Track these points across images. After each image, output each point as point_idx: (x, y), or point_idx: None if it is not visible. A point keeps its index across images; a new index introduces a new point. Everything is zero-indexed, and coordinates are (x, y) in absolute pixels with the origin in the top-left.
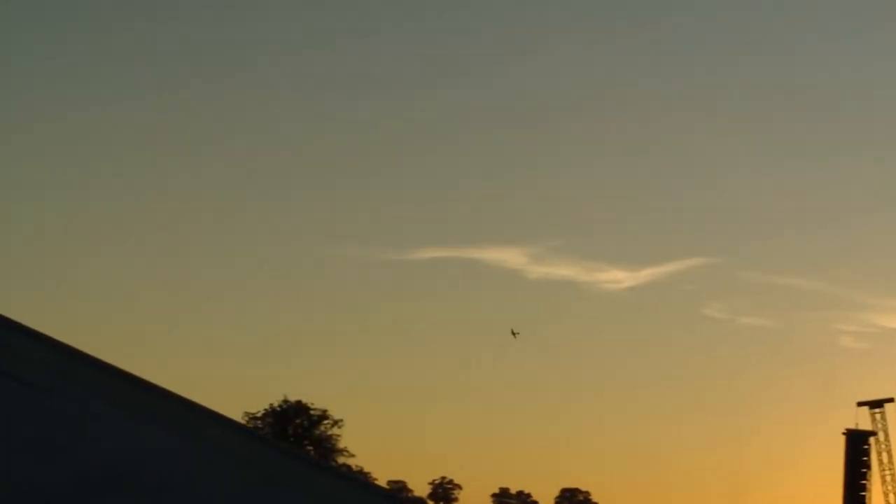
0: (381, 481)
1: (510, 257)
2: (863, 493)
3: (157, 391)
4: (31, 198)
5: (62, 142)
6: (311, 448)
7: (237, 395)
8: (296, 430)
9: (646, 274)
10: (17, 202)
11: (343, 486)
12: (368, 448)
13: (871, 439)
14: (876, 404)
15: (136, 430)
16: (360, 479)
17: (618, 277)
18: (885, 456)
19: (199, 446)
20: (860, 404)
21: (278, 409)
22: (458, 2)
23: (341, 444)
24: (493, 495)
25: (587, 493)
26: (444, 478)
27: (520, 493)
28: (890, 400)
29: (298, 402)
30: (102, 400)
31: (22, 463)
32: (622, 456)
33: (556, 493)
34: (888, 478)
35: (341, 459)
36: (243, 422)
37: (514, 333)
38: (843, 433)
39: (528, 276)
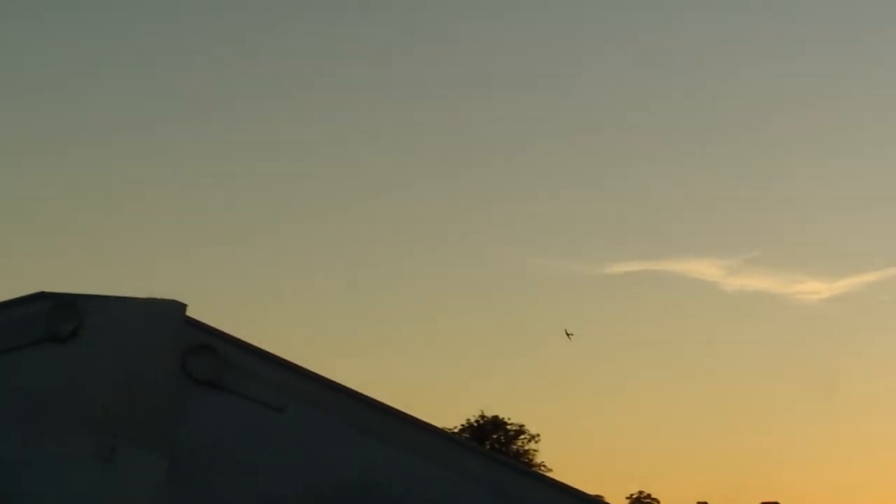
0: None
1: (706, 269)
2: None
3: (381, 407)
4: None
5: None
6: None
7: (435, 410)
8: (493, 445)
9: (844, 284)
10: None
11: (570, 502)
12: (565, 463)
13: None
14: None
15: (367, 446)
16: (587, 496)
17: (816, 288)
18: None
19: (429, 462)
20: None
21: (475, 424)
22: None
23: (538, 459)
24: None
25: None
26: (641, 492)
27: None
28: None
29: (495, 418)
30: (332, 417)
31: (259, 480)
32: (823, 469)
33: None
34: None
35: None
36: None
37: (568, 334)
38: None
39: (724, 288)
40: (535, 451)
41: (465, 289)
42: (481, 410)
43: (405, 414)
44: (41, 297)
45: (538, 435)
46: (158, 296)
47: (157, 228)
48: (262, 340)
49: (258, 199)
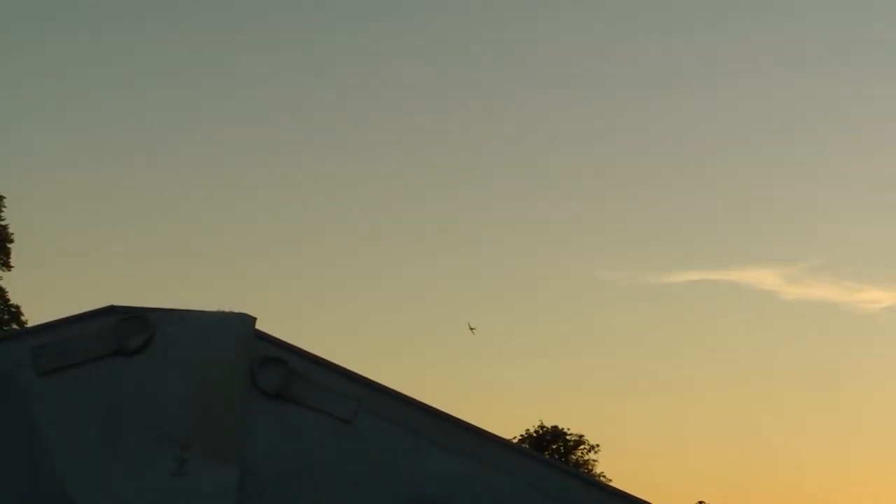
0: None
1: (765, 278)
2: None
3: (451, 419)
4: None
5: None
6: None
7: (493, 420)
8: (552, 455)
9: None
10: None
11: None
12: (625, 473)
13: None
14: None
15: (439, 459)
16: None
17: (877, 297)
18: None
19: (501, 475)
20: None
21: (534, 434)
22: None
23: (598, 470)
24: None
25: None
26: (701, 502)
27: None
28: None
29: (555, 428)
30: (401, 429)
31: (330, 493)
32: (888, 482)
33: None
34: None
35: None
36: None
37: (471, 328)
38: None
39: (784, 297)
40: (594, 461)
41: (521, 298)
42: (540, 420)
43: (475, 426)
44: (111, 310)
45: (598, 445)
46: (228, 309)
47: (228, 241)
48: (331, 353)
49: (330, 214)
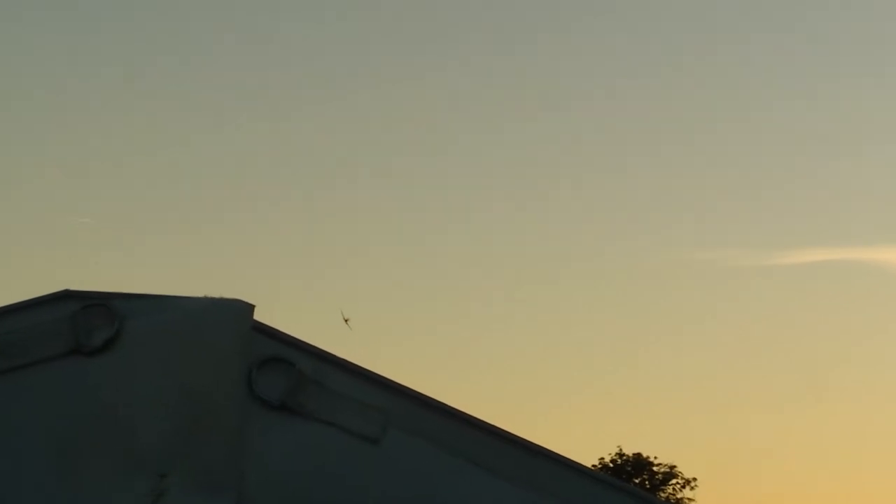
0: None
1: None
2: None
3: (504, 436)
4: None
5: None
6: None
7: (559, 445)
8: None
9: None
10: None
11: None
12: None
13: None
14: None
15: (486, 485)
16: None
17: None
18: None
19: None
20: None
21: (611, 464)
22: None
23: None
24: None
25: None
26: None
27: None
28: None
29: (638, 456)
30: (441, 449)
31: None
32: None
33: None
34: None
35: None
36: None
37: (345, 319)
38: None
39: None
40: (690, 500)
41: (597, 287)
42: (619, 447)
43: (535, 445)
44: (66, 296)
45: (694, 479)
46: (218, 295)
47: (217, 211)
48: (351, 352)
49: (354, 185)
